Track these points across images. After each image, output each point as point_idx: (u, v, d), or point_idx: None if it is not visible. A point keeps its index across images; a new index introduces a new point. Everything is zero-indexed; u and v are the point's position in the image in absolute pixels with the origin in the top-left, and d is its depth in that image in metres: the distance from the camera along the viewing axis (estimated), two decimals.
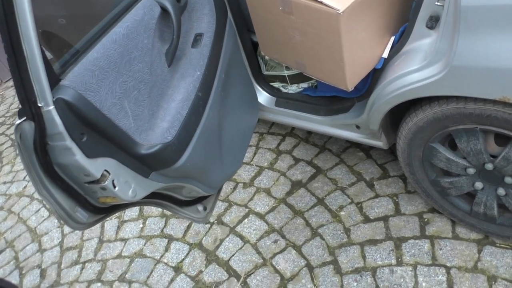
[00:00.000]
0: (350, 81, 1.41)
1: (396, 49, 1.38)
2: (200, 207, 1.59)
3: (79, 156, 0.94)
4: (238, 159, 1.59)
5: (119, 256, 2.14)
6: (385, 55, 1.44)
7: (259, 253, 1.87)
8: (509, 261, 1.47)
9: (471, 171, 1.39)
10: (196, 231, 2.09)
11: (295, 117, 1.90)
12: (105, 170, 1.01)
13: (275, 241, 1.89)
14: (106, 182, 1.01)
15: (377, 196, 1.89)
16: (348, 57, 1.33)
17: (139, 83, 1.08)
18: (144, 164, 1.11)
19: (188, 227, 2.13)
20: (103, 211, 1.15)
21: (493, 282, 1.44)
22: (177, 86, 1.23)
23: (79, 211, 1.07)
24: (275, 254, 1.84)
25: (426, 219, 1.72)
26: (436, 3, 1.14)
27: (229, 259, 1.90)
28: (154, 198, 1.36)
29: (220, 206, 2.16)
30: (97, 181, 1.01)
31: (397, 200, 1.83)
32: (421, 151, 1.47)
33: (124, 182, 1.06)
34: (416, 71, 1.25)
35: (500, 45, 1.02)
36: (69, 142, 0.90)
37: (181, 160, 1.18)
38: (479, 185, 1.42)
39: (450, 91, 1.19)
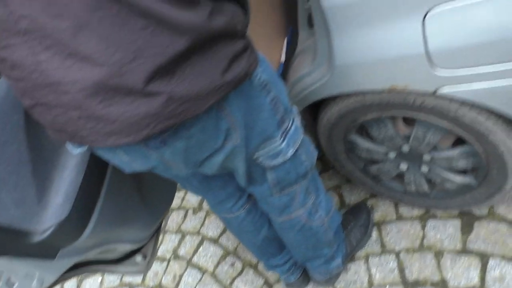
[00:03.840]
0: None
1: (290, 51, 1.35)
2: (138, 258, 1.52)
3: None
4: (166, 199, 1.52)
5: None
6: (283, 59, 1.40)
7: (218, 281, 1.82)
8: (451, 232, 1.47)
9: (392, 155, 1.38)
10: (155, 272, 2.02)
11: None
12: None
13: (232, 264, 1.84)
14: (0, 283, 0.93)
15: None
16: None
17: (16, 165, 1.00)
18: (43, 248, 1.04)
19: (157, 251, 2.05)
20: None
21: (441, 257, 1.44)
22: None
23: None
24: (233, 279, 1.79)
25: (370, 205, 1.70)
26: (307, 2, 1.11)
27: None
28: (82, 266, 1.28)
29: (174, 239, 2.09)
30: None
31: (341, 192, 1.81)
32: (342, 144, 1.44)
33: (24, 275, 0.98)
34: (308, 74, 1.21)
35: (370, 39, 0.99)
36: None
37: (87, 230, 1.11)
38: (403, 166, 1.41)
39: (343, 89, 1.16)
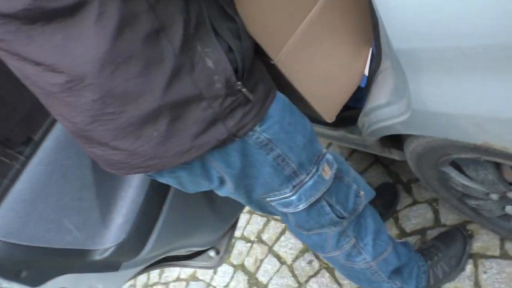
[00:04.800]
0: (327, 114, 1.21)
1: (375, 65, 1.13)
2: (211, 253, 1.57)
3: None
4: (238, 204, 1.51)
5: (178, 279, 2.27)
6: (367, 71, 1.20)
7: (294, 276, 1.81)
8: None
9: (494, 196, 1.12)
10: (239, 251, 2.09)
11: None
12: None
13: (310, 262, 1.80)
14: None
15: (414, 202, 1.65)
16: (311, 94, 1.13)
17: (79, 191, 1.07)
18: (105, 264, 1.12)
19: (231, 247, 2.15)
20: None
21: None
22: None
23: None
24: (309, 277, 1.76)
25: (470, 231, 1.45)
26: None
27: (267, 283, 1.88)
28: (154, 264, 1.37)
29: (259, 222, 2.12)
30: None
31: (436, 207, 1.58)
32: (434, 173, 1.22)
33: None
34: (386, 105, 1.01)
35: (455, 90, 0.75)
36: (7, 284, 0.94)
37: (147, 247, 1.16)
38: (510, 210, 1.13)
39: (424, 133, 0.94)
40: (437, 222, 1.55)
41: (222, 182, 0.91)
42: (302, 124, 0.94)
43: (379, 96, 1.05)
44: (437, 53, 0.71)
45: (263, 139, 0.84)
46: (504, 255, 1.34)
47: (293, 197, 0.96)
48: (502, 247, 1.36)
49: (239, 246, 2.11)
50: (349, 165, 1.17)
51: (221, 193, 0.99)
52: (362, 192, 1.12)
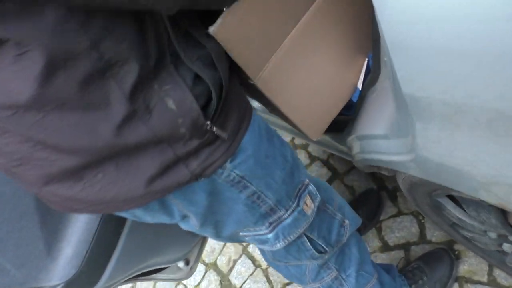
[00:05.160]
0: (312, 132, 1.05)
1: (370, 81, 0.97)
2: (180, 264, 1.45)
3: None
4: None
5: None
6: (360, 84, 1.04)
7: (269, 281, 1.71)
8: None
9: (492, 235, 1.01)
10: (212, 248, 1.98)
11: (287, 130, 1.58)
12: None
13: None
14: None
15: (399, 213, 1.55)
16: (295, 112, 0.97)
17: (18, 221, 0.90)
18: None
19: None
20: None
21: None
22: None
23: None
24: (285, 285, 1.67)
25: (457, 252, 1.37)
26: (385, 58, 0.73)
27: (241, 286, 1.78)
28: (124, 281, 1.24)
29: None
30: None
31: (422, 221, 1.48)
32: (427, 200, 1.10)
33: None
34: (383, 138, 0.87)
35: (469, 148, 0.61)
36: None
37: (100, 281, 1.02)
38: (507, 248, 1.03)
39: (430, 178, 0.81)
40: (422, 237, 1.45)
41: (184, 217, 0.79)
42: (282, 155, 0.81)
43: (375, 123, 0.90)
44: (455, 105, 0.56)
45: (234, 176, 0.71)
46: (492, 282, 1.26)
47: (270, 235, 0.85)
48: (490, 273, 1.28)
49: (212, 243, 1.99)
50: (333, 189, 1.04)
51: (185, 227, 0.86)
52: (346, 222, 1.02)
